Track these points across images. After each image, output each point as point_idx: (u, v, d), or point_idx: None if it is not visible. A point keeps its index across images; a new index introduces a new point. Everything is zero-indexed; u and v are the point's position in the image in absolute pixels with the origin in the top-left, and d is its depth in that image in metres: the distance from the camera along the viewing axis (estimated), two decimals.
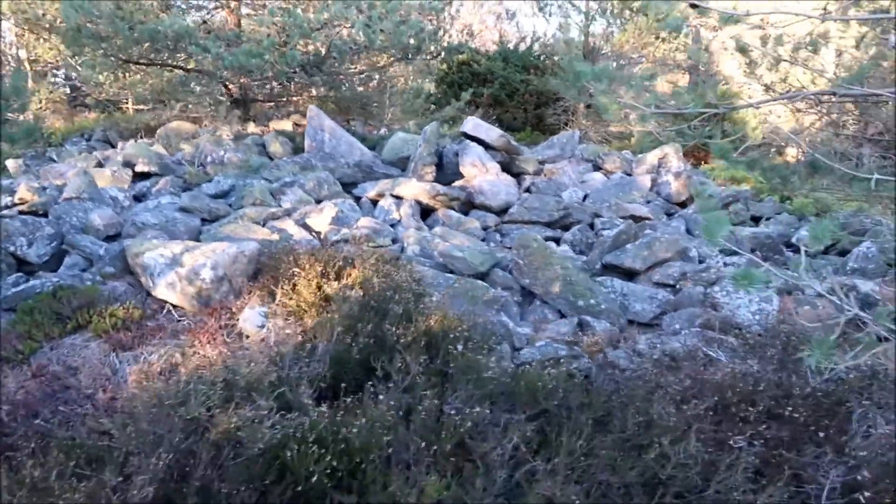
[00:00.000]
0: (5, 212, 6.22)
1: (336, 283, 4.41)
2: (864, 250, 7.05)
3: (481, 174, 7.75)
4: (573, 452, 2.78)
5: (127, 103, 14.64)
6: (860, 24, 5.09)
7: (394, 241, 6.16)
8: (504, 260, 5.81)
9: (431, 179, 7.84)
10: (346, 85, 13.45)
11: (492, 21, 29.10)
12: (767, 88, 5.26)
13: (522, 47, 18.25)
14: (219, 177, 7.69)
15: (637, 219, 7.64)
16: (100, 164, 8.94)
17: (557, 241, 6.96)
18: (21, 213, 6.30)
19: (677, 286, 5.66)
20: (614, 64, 19.47)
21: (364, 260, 4.65)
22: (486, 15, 29.03)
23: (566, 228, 7.20)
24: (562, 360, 3.59)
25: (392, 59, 12.24)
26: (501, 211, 7.48)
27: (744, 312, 4.98)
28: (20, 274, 5.19)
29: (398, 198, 7.14)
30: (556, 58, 17.58)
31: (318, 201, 6.92)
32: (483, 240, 6.97)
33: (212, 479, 2.50)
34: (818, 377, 3.09)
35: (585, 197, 8.55)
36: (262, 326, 4.31)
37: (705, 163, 12.28)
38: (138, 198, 7.65)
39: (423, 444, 2.71)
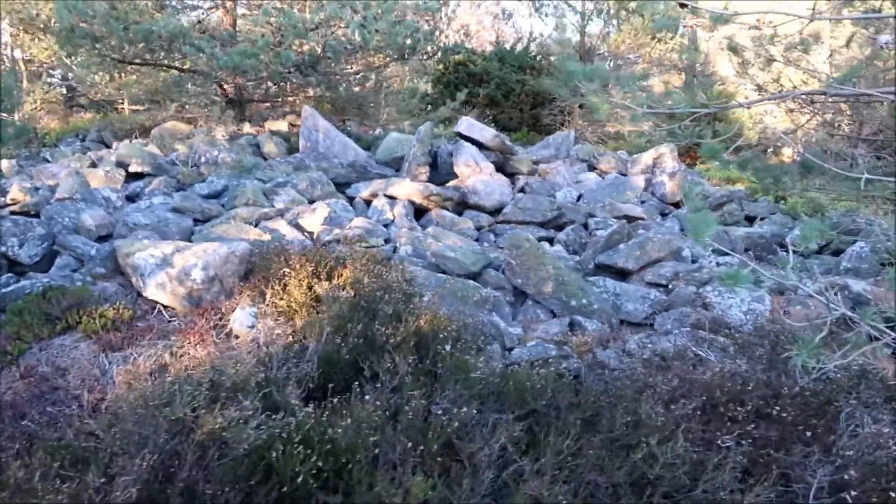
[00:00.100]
0: None
1: (327, 283, 4.40)
2: (857, 250, 7.07)
3: (475, 174, 7.74)
4: (560, 452, 2.77)
5: (123, 103, 14.62)
6: (853, 23, 5.09)
7: (387, 241, 6.15)
8: (497, 260, 5.81)
9: (425, 180, 7.83)
10: (344, 85, 13.43)
11: (489, 21, 29.14)
12: (760, 88, 5.27)
13: (519, 48, 18.26)
14: (212, 177, 7.67)
15: (631, 219, 7.64)
16: (93, 165, 8.92)
17: (551, 241, 6.96)
18: (13, 213, 6.28)
19: (670, 286, 5.66)
20: (611, 64, 19.51)
21: (355, 260, 4.64)
22: (484, 15, 29.06)
23: (560, 228, 7.20)
24: (551, 361, 3.58)
25: (388, 59, 12.24)
26: (495, 211, 7.48)
27: (735, 312, 4.98)
28: (10, 275, 5.16)
29: (392, 198, 7.13)
30: (552, 58, 17.60)
31: (311, 201, 6.91)
32: (476, 240, 6.96)
33: (197, 480, 2.49)
34: (806, 377, 3.09)
35: (579, 197, 8.55)
36: (253, 327, 4.30)
37: (701, 163, 12.30)
38: (131, 198, 7.63)
39: (410, 445, 2.70)
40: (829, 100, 5.09)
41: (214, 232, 5.80)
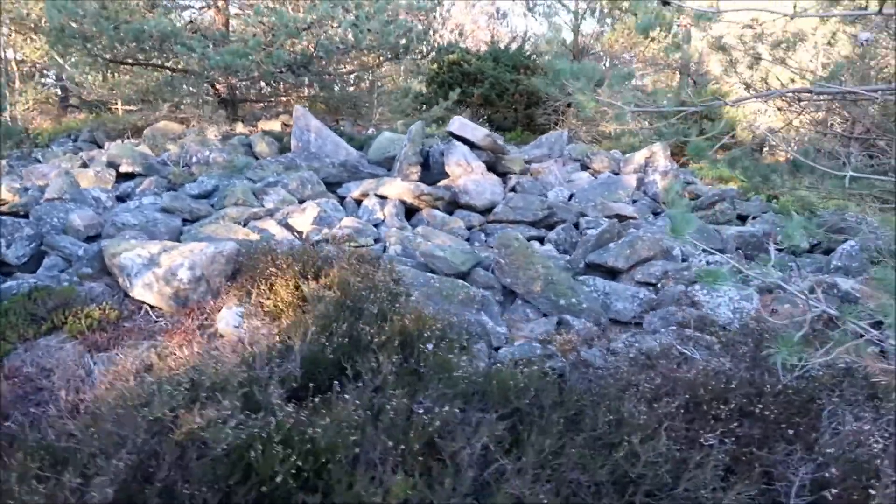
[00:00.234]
0: None
1: (314, 282, 4.39)
2: (847, 248, 7.08)
3: (466, 174, 7.74)
4: (542, 451, 2.77)
5: (116, 104, 14.57)
6: (840, 21, 5.10)
7: (376, 240, 6.14)
8: (487, 259, 5.80)
9: (417, 179, 7.82)
10: (339, 85, 13.42)
11: (484, 21, 29.13)
12: (748, 87, 5.27)
13: (513, 47, 18.26)
14: (202, 177, 7.66)
15: (622, 218, 7.65)
16: (84, 165, 8.89)
17: (542, 240, 6.96)
18: (1, 213, 6.26)
19: (659, 285, 5.66)
20: (607, 63, 19.53)
21: (343, 260, 4.63)
22: (479, 15, 29.06)
23: (551, 228, 7.20)
24: (534, 360, 3.58)
25: (381, 59, 12.22)
26: (486, 210, 7.48)
27: (724, 311, 4.98)
28: None
29: (382, 197, 7.12)
30: (546, 57, 17.60)
31: (302, 201, 6.90)
32: (467, 239, 6.96)
33: (175, 480, 2.48)
34: (789, 374, 3.09)
35: (571, 196, 8.55)
36: (239, 327, 4.29)
37: (694, 162, 12.31)
38: (122, 198, 7.61)
39: (391, 444, 2.69)
40: (816, 98, 5.09)
41: (203, 232, 5.79)
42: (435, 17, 13.50)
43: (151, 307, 4.72)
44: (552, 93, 4.33)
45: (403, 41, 11.32)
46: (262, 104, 14.19)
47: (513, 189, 8.24)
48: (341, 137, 10.05)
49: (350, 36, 10.16)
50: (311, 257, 4.65)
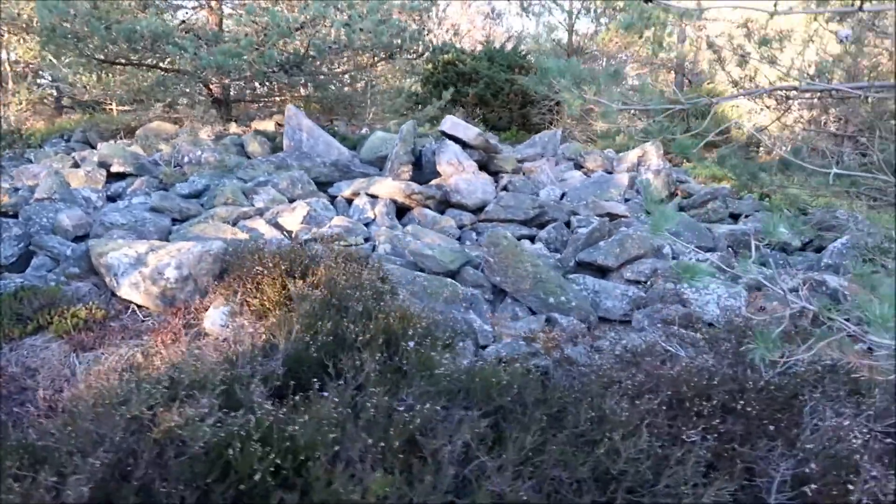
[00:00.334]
0: None
1: (301, 281, 4.38)
2: (838, 246, 7.09)
3: (458, 173, 7.73)
4: (522, 448, 2.76)
5: (110, 104, 14.54)
6: (823, 19, 5.10)
7: (367, 239, 6.13)
8: (476, 258, 5.80)
9: (408, 178, 7.82)
10: (336, 85, 13.41)
11: (481, 21, 29.14)
12: (735, 84, 5.28)
13: (508, 47, 18.28)
14: (194, 177, 7.64)
15: (614, 216, 7.65)
16: (76, 165, 8.87)
17: (532, 238, 6.96)
18: None
19: (648, 283, 5.66)
20: (603, 63, 19.53)
21: (331, 258, 4.62)
22: (475, 15, 29.07)
23: (542, 226, 7.20)
24: (517, 357, 3.58)
25: (376, 58, 12.21)
26: (477, 209, 7.47)
27: (712, 308, 4.99)
28: None
29: (373, 197, 7.11)
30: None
31: (292, 200, 6.89)
32: (459, 238, 6.96)
33: (153, 479, 2.47)
34: (771, 371, 3.09)
35: (563, 195, 8.55)
36: (226, 326, 4.28)
37: (688, 161, 12.32)
38: (113, 198, 7.59)
39: (371, 441, 2.68)
40: (804, 96, 5.10)
41: (192, 231, 5.78)
42: (429, 17, 13.50)
43: (138, 307, 4.72)
44: (540, 91, 4.33)
45: (397, 41, 11.31)
46: (256, 104, 14.19)
47: (504, 188, 8.24)
48: (334, 137, 10.03)
49: (343, 35, 10.15)
50: (298, 256, 4.64)
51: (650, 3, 3.50)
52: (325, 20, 9.89)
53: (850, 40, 3.99)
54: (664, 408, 3.08)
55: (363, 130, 12.38)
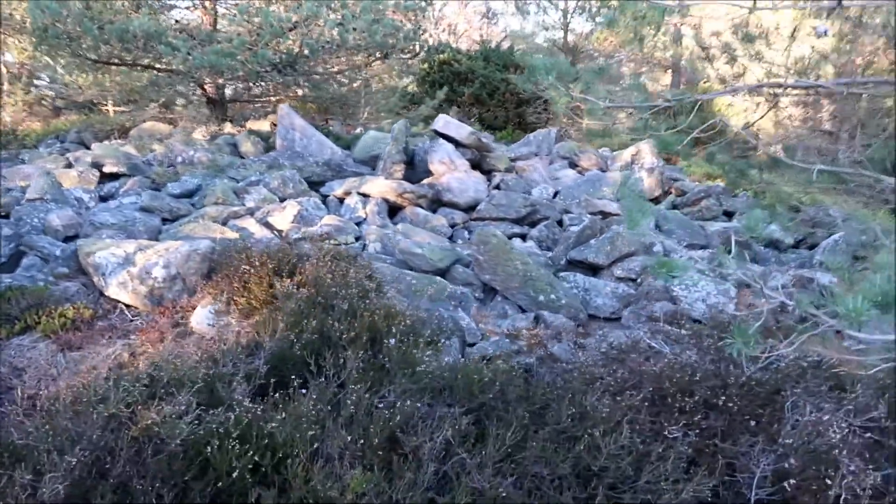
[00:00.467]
0: None
1: (288, 280, 4.38)
2: (831, 243, 7.09)
3: (450, 171, 7.73)
4: (503, 445, 2.76)
5: (106, 105, 14.53)
6: (815, 15, 5.08)
7: (357, 238, 6.13)
8: (466, 256, 5.80)
9: (400, 177, 7.81)
10: (335, 85, 13.40)
11: (478, 21, 29.09)
12: (723, 81, 5.25)
13: (504, 46, 18.27)
14: (186, 176, 7.64)
15: (606, 214, 7.65)
16: (69, 166, 8.86)
17: (524, 237, 6.95)
18: None
19: (639, 280, 5.66)
20: (602, 62, 19.50)
21: (318, 257, 4.62)
22: (473, 15, 29.02)
23: (534, 225, 7.20)
24: (499, 355, 3.58)
25: (371, 58, 12.19)
26: (470, 208, 7.47)
27: (701, 305, 4.98)
28: None
29: (365, 196, 7.11)
30: (540, 56, 17.58)
31: (283, 200, 6.88)
32: (450, 237, 6.96)
33: (131, 476, 2.47)
34: (753, 366, 3.09)
35: (556, 194, 8.55)
36: (213, 324, 4.28)
37: (683, 159, 12.30)
38: (105, 198, 7.59)
39: (350, 438, 2.68)
40: (790, 92, 5.08)
41: (182, 231, 5.77)
42: (424, 16, 13.47)
43: (127, 306, 4.71)
44: (528, 89, 4.32)
45: (392, 41, 11.29)
46: (252, 104, 14.17)
47: (497, 187, 8.23)
48: (329, 136, 10.03)
49: (336, 35, 10.14)
50: (286, 255, 4.64)
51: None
52: (319, 20, 9.88)
53: (828, 35, 3.97)
54: (646, 404, 3.08)
55: (358, 130, 12.37)
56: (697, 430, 2.98)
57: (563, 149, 10.95)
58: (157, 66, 10.89)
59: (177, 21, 10.90)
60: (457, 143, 8.34)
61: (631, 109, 4.08)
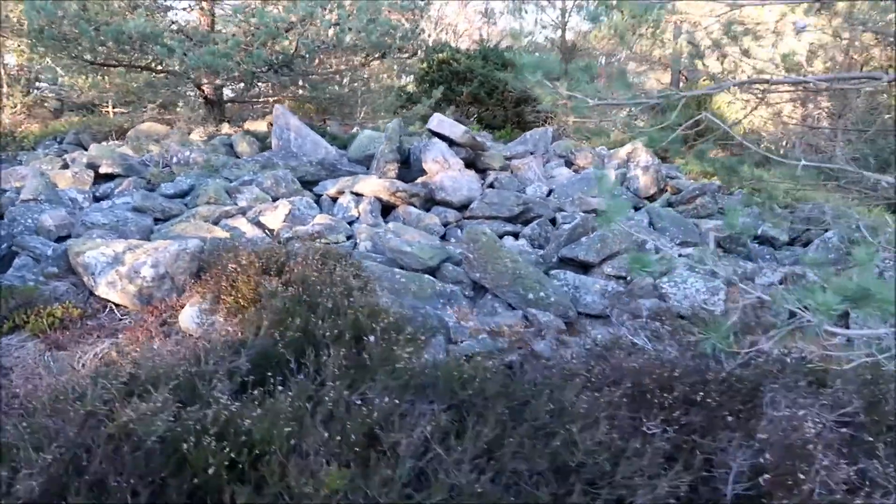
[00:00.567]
0: None
1: (277, 279, 4.40)
2: (825, 240, 7.08)
3: (443, 170, 7.74)
4: (480, 441, 2.77)
5: (106, 106, 14.58)
6: (804, 12, 5.09)
7: (349, 237, 6.15)
8: (457, 255, 5.80)
9: (394, 176, 7.83)
10: (337, 86, 13.42)
11: (479, 20, 29.08)
12: (712, 78, 5.27)
13: (503, 45, 18.28)
14: (181, 176, 7.67)
15: (599, 213, 7.64)
16: (65, 166, 8.90)
17: (517, 235, 6.96)
18: None
19: (629, 277, 5.66)
20: (603, 61, 19.48)
21: (306, 256, 4.63)
22: (473, 14, 29.01)
23: (527, 223, 7.20)
24: (483, 353, 3.59)
25: (369, 58, 12.20)
26: (463, 207, 7.48)
27: (689, 303, 4.98)
28: None
29: (358, 195, 7.13)
30: (537, 55, 17.58)
31: (276, 199, 6.90)
32: (443, 236, 6.97)
33: (107, 473, 2.48)
34: (732, 362, 3.10)
35: (550, 192, 8.55)
36: (201, 323, 4.30)
37: (680, 157, 12.29)
38: (100, 199, 7.62)
39: (328, 435, 2.69)
40: (779, 88, 5.09)
41: (174, 230, 5.80)
42: (423, 15, 13.48)
43: (116, 305, 4.74)
44: (517, 87, 4.33)
45: (388, 40, 11.30)
46: (251, 105, 14.21)
47: (491, 185, 8.24)
48: (325, 136, 10.05)
49: (332, 35, 10.16)
50: (274, 254, 4.66)
51: None
52: (314, 20, 9.90)
53: (806, 30, 3.98)
54: (626, 400, 3.09)
55: (354, 130, 12.39)
56: (677, 426, 2.98)
57: (560, 147, 10.95)
58: (154, 67, 10.92)
59: (173, 22, 10.93)
60: (451, 142, 8.35)
61: (615, 107, 4.09)
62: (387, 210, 7.32)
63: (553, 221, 7.37)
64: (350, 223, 6.62)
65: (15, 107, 13.44)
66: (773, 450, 2.64)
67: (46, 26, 8.71)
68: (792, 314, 4.51)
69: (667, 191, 9.45)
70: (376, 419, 2.83)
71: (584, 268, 6.06)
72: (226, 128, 11.66)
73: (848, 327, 4.68)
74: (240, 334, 3.68)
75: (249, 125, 12.04)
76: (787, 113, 7.85)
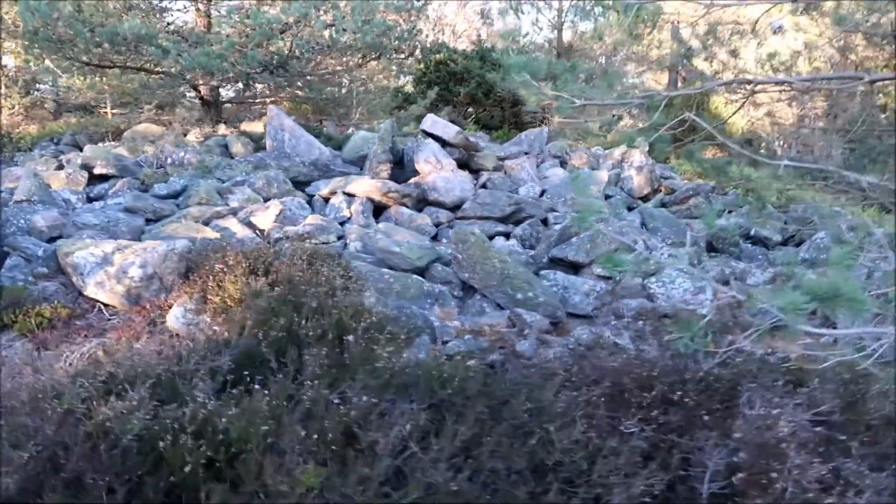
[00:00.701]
0: None
1: (264, 279, 4.42)
2: (817, 240, 7.08)
3: (436, 171, 7.76)
4: (458, 440, 2.78)
5: (104, 107, 14.60)
6: (791, 11, 5.11)
7: (340, 238, 6.16)
8: (446, 255, 5.82)
9: (386, 177, 7.85)
10: (335, 87, 13.44)
11: (478, 21, 29.08)
12: (702, 79, 5.29)
13: (498, 46, 18.29)
14: (174, 177, 7.69)
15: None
16: (60, 167, 8.93)
17: (508, 235, 6.98)
18: None
19: (617, 277, 5.67)
20: (603, 62, 19.50)
21: (294, 256, 4.65)
22: (472, 15, 29.01)
23: (518, 223, 7.22)
24: (464, 352, 3.60)
25: (364, 58, 12.22)
26: (455, 207, 7.50)
27: (676, 302, 5.00)
28: None
29: (350, 195, 7.15)
30: (536, 55, 17.60)
31: (267, 200, 6.93)
32: (435, 236, 6.99)
33: (84, 471, 2.50)
34: (711, 361, 3.11)
35: (543, 192, 8.57)
36: (188, 323, 4.32)
37: (675, 157, 12.30)
38: (95, 200, 7.64)
39: (305, 434, 2.70)
40: (766, 88, 5.10)
41: (165, 231, 5.82)
42: (419, 16, 13.50)
43: (105, 305, 4.76)
44: (505, 87, 4.35)
45: (384, 41, 11.32)
46: (249, 106, 14.23)
47: (483, 186, 8.25)
48: (320, 137, 10.08)
49: (327, 36, 10.19)
50: (262, 254, 4.67)
51: None
52: (309, 21, 9.92)
53: (783, 29, 4.00)
54: (604, 399, 3.10)
55: (350, 130, 12.41)
56: (654, 426, 3.00)
57: (555, 147, 10.97)
58: (149, 68, 10.95)
59: (169, 23, 10.96)
60: (444, 143, 8.38)
61: (598, 108, 4.11)
62: (379, 210, 7.34)
63: (545, 222, 7.39)
64: (341, 224, 6.64)
65: (13, 108, 13.47)
66: (748, 449, 2.66)
67: (41, 28, 8.74)
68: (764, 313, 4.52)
69: (661, 191, 9.47)
70: (354, 418, 2.84)
71: (575, 268, 6.07)
72: (222, 129, 11.68)
73: (835, 327, 4.70)
74: (225, 334, 3.70)
75: (246, 126, 12.06)
76: (779, 113, 7.87)
